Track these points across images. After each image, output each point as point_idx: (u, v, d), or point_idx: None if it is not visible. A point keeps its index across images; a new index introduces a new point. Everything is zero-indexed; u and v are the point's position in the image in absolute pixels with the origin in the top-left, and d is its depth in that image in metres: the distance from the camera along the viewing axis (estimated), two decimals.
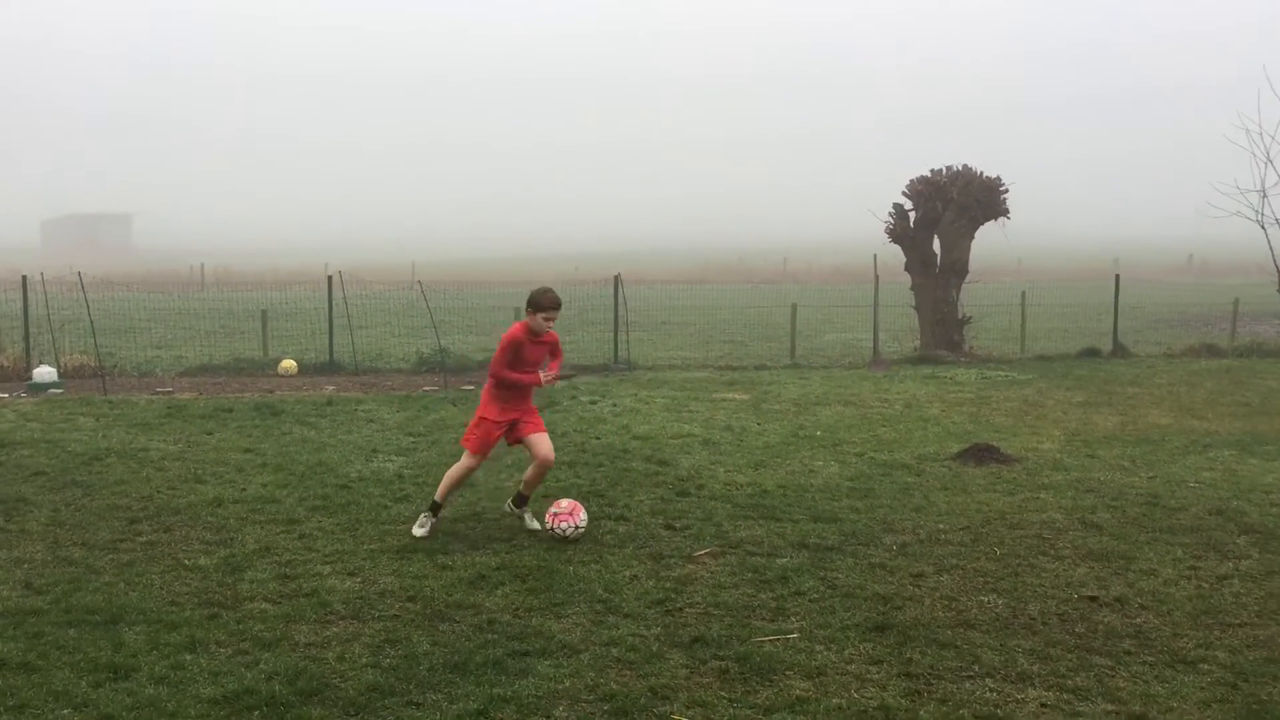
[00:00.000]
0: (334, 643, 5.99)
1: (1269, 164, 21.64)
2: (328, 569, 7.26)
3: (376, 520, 8.45)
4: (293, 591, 6.81)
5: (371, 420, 13.00)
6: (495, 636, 6.07)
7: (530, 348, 8.10)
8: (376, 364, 18.90)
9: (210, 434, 12.01)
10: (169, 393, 15.36)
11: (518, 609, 6.52)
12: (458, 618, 6.38)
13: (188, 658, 5.75)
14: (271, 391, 15.72)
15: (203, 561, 7.40)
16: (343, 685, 5.44)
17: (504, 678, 5.53)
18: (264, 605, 6.58)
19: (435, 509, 8.17)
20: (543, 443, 8.22)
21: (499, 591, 6.82)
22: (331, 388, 16.16)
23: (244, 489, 9.45)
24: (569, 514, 7.97)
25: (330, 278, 19.52)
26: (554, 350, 8.40)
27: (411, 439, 11.83)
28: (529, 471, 8.31)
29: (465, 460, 8.18)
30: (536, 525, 8.20)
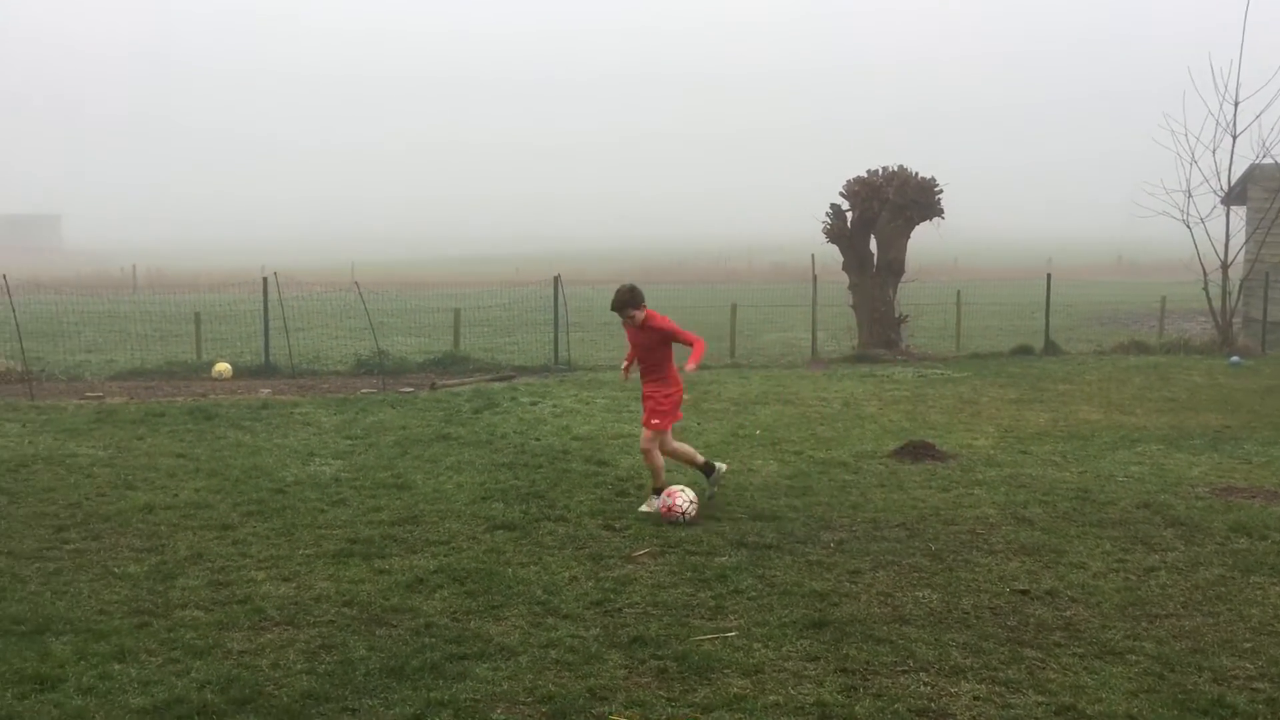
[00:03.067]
0: (268, 649, 5.91)
1: (1194, 164, 22.20)
2: (262, 575, 7.16)
3: (312, 525, 8.35)
4: (226, 598, 6.71)
5: (308, 423, 12.84)
6: (433, 640, 6.03)
7: (629, 332, 9.05)
8: (314, 366, 18.68)
9: (141, 439, 11.79)
10: (99, 397, 15.04)
11: (456, 612, 6.48)
12: (395, 622, 6.32)
13: (116, 667, 5.64)
14: (205, 395, 15.47)
15: (132, 569, 7.26)
16: (276, 693, 5.36)
17: (441, 681, 5.49)
18: (196, 613, 6.47)
19: (708, 469, 9.15)
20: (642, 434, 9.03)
21: (437, 595, 6.78)
22: (267, 391, 15.94)
23: (176, 495, 9.28)
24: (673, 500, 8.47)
25: (265, 279, 19.24)
26: (663, 339, 8.95)
27: (349, 442, 11.71)
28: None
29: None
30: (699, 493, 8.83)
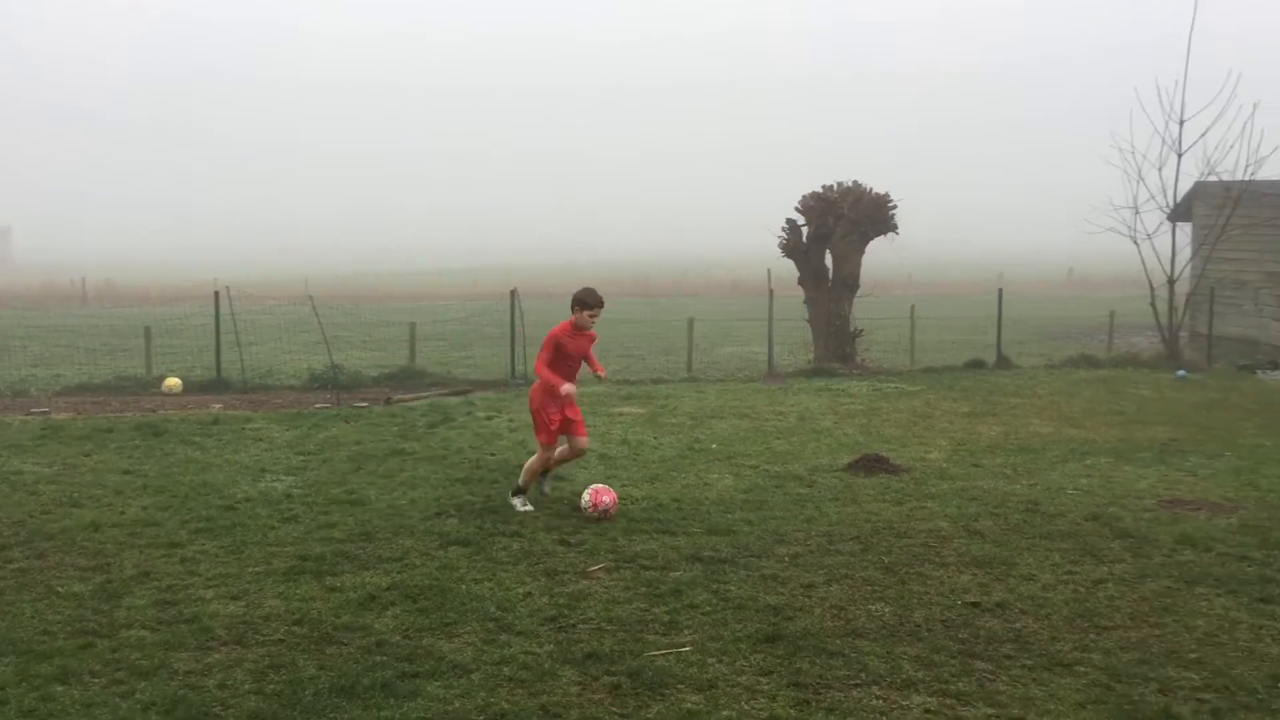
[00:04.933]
0: (215, 670, 5.82)
1: (1140, 182, 22.61)
2: (210, 593, 7.06)
3: (263, 542, 8.24)
4: (173, 618, 6.61)
5: (260, 439, 12.69)
6: (384, 658, 5.97)
7: (572, 342, 9.08)
8: (266, 381, 18.46)
9: (88, 455, 11.59)
10: (45, 413, 14.78)
11: (408, 630, 6.43)
12: (346, 640, 6.25)
13: (59, 689, 5.53)
14: (155, 410, 15.24)
15: (77, 588, 7.13)
16: (223, 714, 5.29)
17: (392, 700, 5.44)
18: (142, 633, 6.36)
19: (519, 491, 9.29)
20: (579, 442, 9.39)
21: (389, 612, 6.72)
22: (218, 406, 15.74)
23: (123, 512, 9.13)
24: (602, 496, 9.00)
25: (217, 293, 19.01)
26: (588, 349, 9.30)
27: (302, 457, 11.58)
28: (562, 451, 9.40)
29: (540, 451, 9.29)
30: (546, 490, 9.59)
